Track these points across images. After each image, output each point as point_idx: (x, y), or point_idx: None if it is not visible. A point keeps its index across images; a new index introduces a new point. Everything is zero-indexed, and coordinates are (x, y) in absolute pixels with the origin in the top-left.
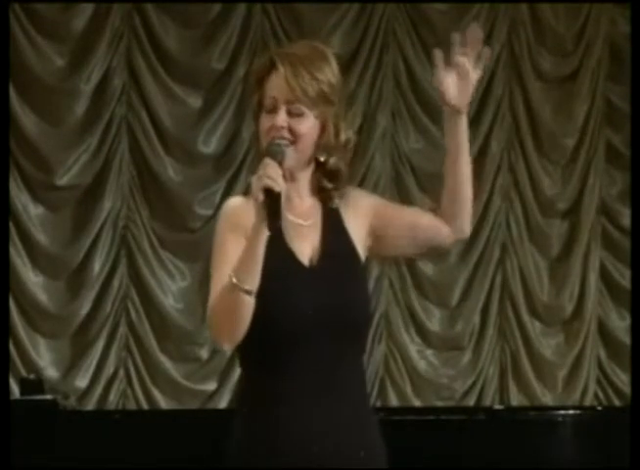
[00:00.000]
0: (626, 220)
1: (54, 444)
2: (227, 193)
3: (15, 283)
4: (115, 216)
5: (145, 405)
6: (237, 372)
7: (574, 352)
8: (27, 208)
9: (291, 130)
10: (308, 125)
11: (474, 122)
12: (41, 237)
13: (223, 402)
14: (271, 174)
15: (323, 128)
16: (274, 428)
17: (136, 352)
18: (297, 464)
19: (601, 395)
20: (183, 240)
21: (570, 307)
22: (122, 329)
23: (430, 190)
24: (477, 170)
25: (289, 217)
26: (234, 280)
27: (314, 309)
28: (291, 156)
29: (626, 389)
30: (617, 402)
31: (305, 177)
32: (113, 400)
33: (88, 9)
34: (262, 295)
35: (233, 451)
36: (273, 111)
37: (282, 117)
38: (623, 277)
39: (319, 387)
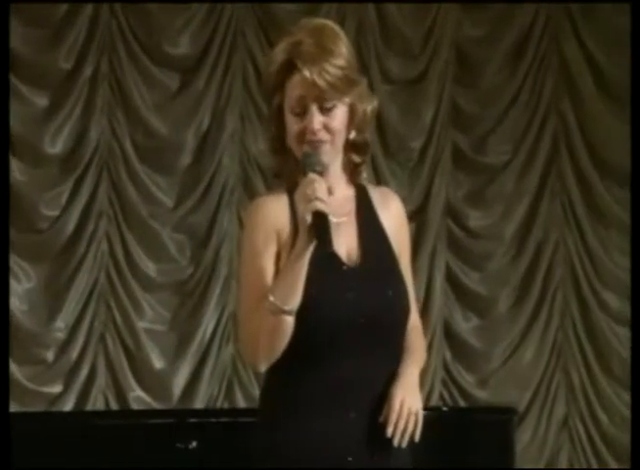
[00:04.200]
0: (472, 222)
1: None
2: (74, 194)
3: None
4: None
5: None
6: (83, 373)
7: None
8: None
9: (326, 128)
10: (341, 117)
11: None
12: None
13: (69, 405)
14: (321, 195)
15: (352, 111)
16: (305, 433)
17: None
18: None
19: (446, 395)
20: (29, 241)
21: None
22: None
23: None
24: None
25: None
26: (274, 301)
27: (352, 311)
28: (327, 153)
29: (471, 389)
30: (461, 403)
31: (338, 164)
32: None
33: None
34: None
35: (262, 457)
36: (302, 112)
37: (317, 120)
38: (469, 278)
39: (349, 389)
